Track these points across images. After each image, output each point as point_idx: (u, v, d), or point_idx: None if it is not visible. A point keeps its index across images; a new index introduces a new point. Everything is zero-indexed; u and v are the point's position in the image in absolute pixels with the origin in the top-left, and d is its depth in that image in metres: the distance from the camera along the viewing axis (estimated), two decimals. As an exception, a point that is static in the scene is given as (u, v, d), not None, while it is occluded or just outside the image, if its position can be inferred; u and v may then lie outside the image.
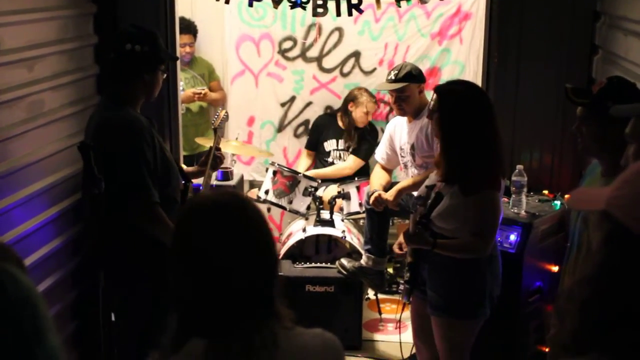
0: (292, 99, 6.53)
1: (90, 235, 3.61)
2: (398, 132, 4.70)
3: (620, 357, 1.35)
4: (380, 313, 5.30)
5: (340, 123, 6.05)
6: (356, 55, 6.41)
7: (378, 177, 4.79)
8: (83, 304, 4.28)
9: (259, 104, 6.55)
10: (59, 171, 4.11)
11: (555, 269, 4.20)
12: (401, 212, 4.73)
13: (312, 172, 5.80)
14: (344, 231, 5.14)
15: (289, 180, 5.37)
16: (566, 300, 1.49)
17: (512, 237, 4.13)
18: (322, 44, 6.40)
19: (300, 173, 5.47)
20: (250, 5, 4.77)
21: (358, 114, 5.88)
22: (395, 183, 4.70)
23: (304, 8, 4.69)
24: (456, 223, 3.45)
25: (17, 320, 1.39)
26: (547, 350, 4.13)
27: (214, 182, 4.79)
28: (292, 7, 4.70)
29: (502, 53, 4.75)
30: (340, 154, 6.05)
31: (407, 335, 4.30)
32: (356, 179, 5.47)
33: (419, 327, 3.86)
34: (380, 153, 4.86)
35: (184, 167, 4.11)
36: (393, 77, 4.56)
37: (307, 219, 5.39)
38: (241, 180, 5.65)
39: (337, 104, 6.44)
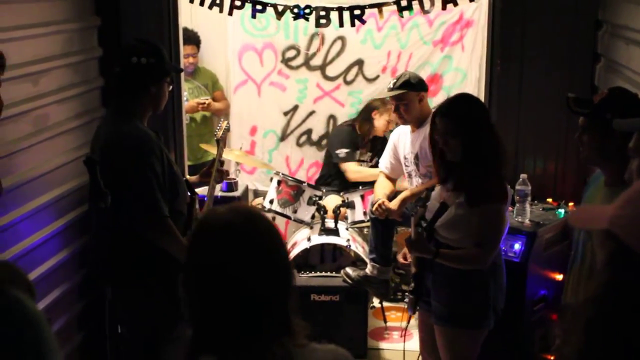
0: (295, 107, 6.56)
1: (97, 247, 3.62)
2: (402, 141, 4.71)
3: None
4: (385, 321, 5.31)
5: (358, 130, 6.00)
6: (359, 63, 6.44)
7: (382, 187, 4.80)
8: (90, 315, 4.30)
9: (262, 113, 6.58)
10: (65, 184, 4.14)
11: (559, 277, 4.21)
12: (405, 221, 4.74)
13: (358, 175, 5.79)
14: (348, 240, 5.15)
15: (294, 190, 5.39)
16: (572, 318, 1.50)
17: (517, 246, 4.13)
18: (325, 52, 6.43)
19: (304, 182, 5.49)
20: (253, 17, 4.80)
21: (381, 122, 5.87)
22: (400, 192, 4.71)
23: (307, 19, 4.72)
24: (461, 233, 3.46)
25: (20, 343, 1.41)
26: (552, 359, 4.15)
27: (218, 193, 4.81)
28: (295, 19, 4.74)
29: (504, 60, 4.76)
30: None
31: (413, 344, 4.31)
32: (360, 187, 5.48)
33: (425, 337, 3.87)
34: (384, 162, 4.87)
35: (188, 177, 4.13)
36: (392, 86, 4.59)
37: (311, 227, 5.40)
38: (246, 190, 5.67)
39: (340, 112, 6.47)
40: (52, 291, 3.96)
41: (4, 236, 3.52)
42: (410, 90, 4.54)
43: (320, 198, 5.42)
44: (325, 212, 5.40)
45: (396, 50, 6.35)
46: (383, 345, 5.18)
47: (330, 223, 5.32)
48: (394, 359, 4.92)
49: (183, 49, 5.19)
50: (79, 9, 4.37)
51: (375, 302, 5.41)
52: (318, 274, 5.04)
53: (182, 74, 5.17)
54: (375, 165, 5.64)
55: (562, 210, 4.44)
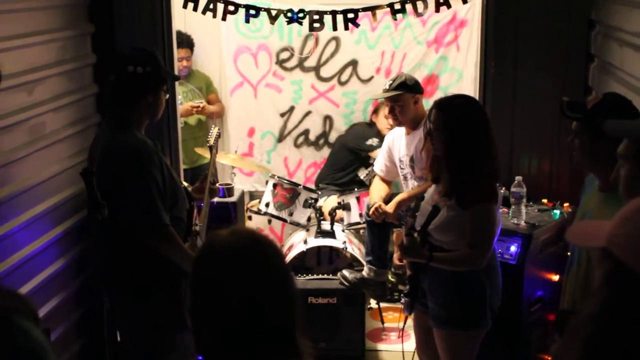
0: (291, 109, 6.56)
1: (96, 256, 3.63)
2: (397, 144, 4.72)
3: None
4: (382, 322, 5.32)
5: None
6: (353, 63, 6.44)
7: (377, 189, 4.81)
8: (88, 323, 4.31)
9: (259, 114, 6.58)
10: (61, 192, 4.14)
11: (556, 278, 4.23)
12: (401, 223, 4.75)
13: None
14: (345, 242, 5.17)
15: (289, 193, 5.40)
16: (570, 334, 1.52)
17: (513, 248, 4.15)
18: (320, 53, 6.43)
19: (300, 185, 5.51)
20: (247, 21, 4.81)
21: (380, 119, 5.89)
22: (396, 194, 4.72)
23: (301, 23, 4.73)
24: (454, 235, 3.48)
25: None
26: (549, 359, 4.17)
27: (215, 199, 4.81)
28: (289, 23, 4.74)
29: (498, 60, 4.77)
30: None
31: (410, 345, 4.30)
32: (356, 189, 5.50)
33: (421, 339, 3.90)
34: (379, 165, 4.88)
35: (185, 184, 4.13)
36: (387, 87, 4.60)
37: (308, 230, 5.41)
38: (242, 195, 5.67)
39: (335, 112, 6.47)
40: (50, 300, 3.97)
41: (2, 246, 3.53)
42: (406, 92, 4.55)
43: (316, 200, 5.43)
44: (322, 214, 5.42)
45: (390, 51, 6.35)
46: (381, 346, 5.19)
47: (326, 225, 5.34)
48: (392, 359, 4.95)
49: (177, 52, 5.18)
50: (73, 16, 4.38)
51: (373, 302, 5.43)
52: (315, 276, 5.06)
53: (176, 78, 5.18)
54: None
55: (557, 212, 4.45)
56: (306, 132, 6.58)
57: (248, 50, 6.44)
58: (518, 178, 4.39)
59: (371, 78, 6.41)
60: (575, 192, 3.43)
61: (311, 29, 4.78)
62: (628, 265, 1.38)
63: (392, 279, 5.64)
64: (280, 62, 6.47)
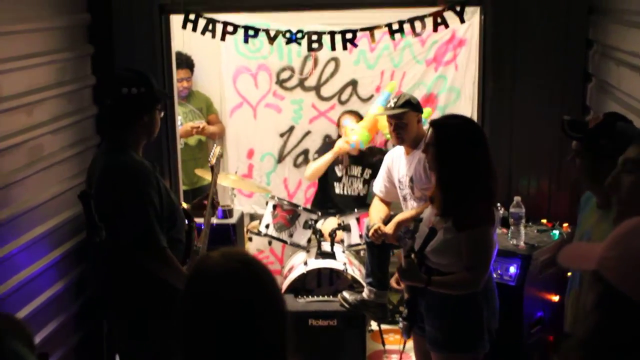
0: (291, 128, 6.57)
1: (95, 278, 3.62)
2: (396, 164, 4.72)
3: None
4: (384, 344, 5.28)
5: None
6: (353, 83, 6.46)
7: (377, 210, 4.80)
8: (87, 346, 4.29)
9: (258, 135, 6.58)
10: (60, 214, 4.13)
11: (556, 298, 4.22)
12: (401, 245, 4.74)
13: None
14: (345, 263, 5.15)
15: (289, 214, 5.40)
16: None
17: (512, 270, 4.14)
18: (320, 73, 6.45)
19: (299, 206, 5.50)
20: (246, 41, 4.83)
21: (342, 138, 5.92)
22: (395, 215, 4.71)
23: (299, 43, 4.75)
24: (450, 258, 3.47)
25: None
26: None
27: (214, 221, 4.81)
28: (288, 43, 4.78)
29: (496, 80, 4.78)
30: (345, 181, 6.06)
31: (411, 367, 4.31)
32: (356, 210, 5.49)
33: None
34: (379, 186, 4.88)
35: (184, 205, 4.12)
36: (392, 105, 4.61)
37: (308, 251, 5.40)
38: (241, 217, 5.66)
39: (335, 132, 6.48)
40: (49, 323, 3.94)
41: (1, 268, 3.51)
42: (411, 110, 4.57)
43: (316, 222, 5.43)
44: (322, 235, 5.41)
45: (389, 70, 6.37)
46: (382, 368, 5.17)
47: (326, 246, 5.32)
48: (393, 381, 4.92)
49: (176, 73, 5.21)
50: (72, 38, 4.38)
51: (373, 324, 5.40)
52: (315, 298, 5.03)
53: (176, 98, 5.19)
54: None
55: (556, 232, 4.45)
56: (306, 152, 6.58)
57: (248, 70, 6.46)
58: (517, 198, 4.38)
59: (371, 97, 6.42)
60: (575, 213, 3.42)
61: (310, 49, 4.81)
62: (619, 288, 1.38)
63: (394, 300, 5.61)
64: (281, 82, 6.49)
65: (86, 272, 4.28)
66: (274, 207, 5.43)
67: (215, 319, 1.72)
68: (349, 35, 4.73)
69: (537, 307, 4.27)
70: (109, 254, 3.43)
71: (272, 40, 4.77)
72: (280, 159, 6.62)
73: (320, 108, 6.52)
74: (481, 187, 3.44)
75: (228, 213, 5.38)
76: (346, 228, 5.36)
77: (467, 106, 6.14)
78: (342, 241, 5.44)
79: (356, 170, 6.03)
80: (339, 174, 6.06)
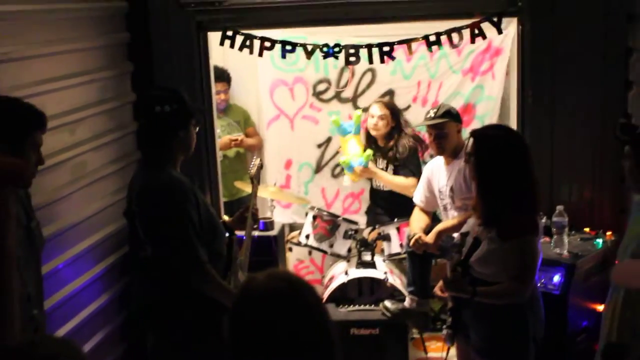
0: (329, 139, 6.57)
1: (138, 294, 3.66)
2: (436, 174, 4.72)
3: None
4: (425, 352, 5.28)
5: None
6: (390, 93, 6.43)
7: (417, 220, 4.80)
8: (131, 358, 4.34)
9: (295, 146, 6.59)
10: (104, 228, 4.21)
11: (600, 307, 4.16)
12: (442, 254, 4.74)
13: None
14: (385, 272, 5.15)
15: (329, 224, 5.41)
16: None
17: (556, 278, 4.11)
18: (356, 84, 6.45)
19: (339, 216, 5.51)
20: (283, 57, 4.85)
21: (369, 123, 5.88)
22: (436, 224, 4.71)
23: (337, 57, 4.77)
24: (495, 268, 3.46)
25: None
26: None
27: (255, 233, 4.84)
28: (325, 57, 4.78)
29: (535, 89, 4.76)
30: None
31: (454, 376, 4.28)
32: (395, 220, 5.49)
33: (464, 368, 3.86)
34: (419, 196, 4.88)
35: (225, 217, 4.16)
36: (432, 115, 4.61)
37: (348, 261, 5.41)
38: (282, 229, 5.70)
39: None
40: (94, 335, 4.02)
41: (48, 283, 3.56)
42: (451, 120, 4.57)
43: (356, 232, 5.43)
44: (363, 244, 5.41)
45: (426, 80, 6.35)
46: (425, 377, 5.16)
47: (367, 256, 5.33)
48: (436, 390, 4.90)
49: (214, 86, 5.26)
50: (113, 56, 4.47)
51: (415, 332, 5.39)
52: (357, 307, 5.05)
53: (214, 111, 5.24)
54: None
55: (600, 240, 4.40)
56: (344, 163, 6.58)
57: (284, 83, 6.48)
58: (559, 207, 4.35)
59: (408, 107, 6.40)
60: (618, 220, 3.39)
61: (347, 62, 4.82)
62: None
63: (436, 308, 5.60)
64: (317, 94, 6.50)
65: (129, 286, 4.33)
66: (314, 217, 5.44)
67: (262, 338, 1.74)
68: (386, 48, 4.74)
69: (582, 316, 4.22)
70: (152, 269, 3.47)
71: (309, 54, 4.79)
72: (318, 169, 6.62)
73: (357, 119, 6.51)
74: (523, 196, 3.42)
75: (269, 225, 5.41)
76: (386, 238, 5.36)
77: (505, 115, 6.09)
78: (382, 251, 5.44)
79: (381, 164, 5.97)
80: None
